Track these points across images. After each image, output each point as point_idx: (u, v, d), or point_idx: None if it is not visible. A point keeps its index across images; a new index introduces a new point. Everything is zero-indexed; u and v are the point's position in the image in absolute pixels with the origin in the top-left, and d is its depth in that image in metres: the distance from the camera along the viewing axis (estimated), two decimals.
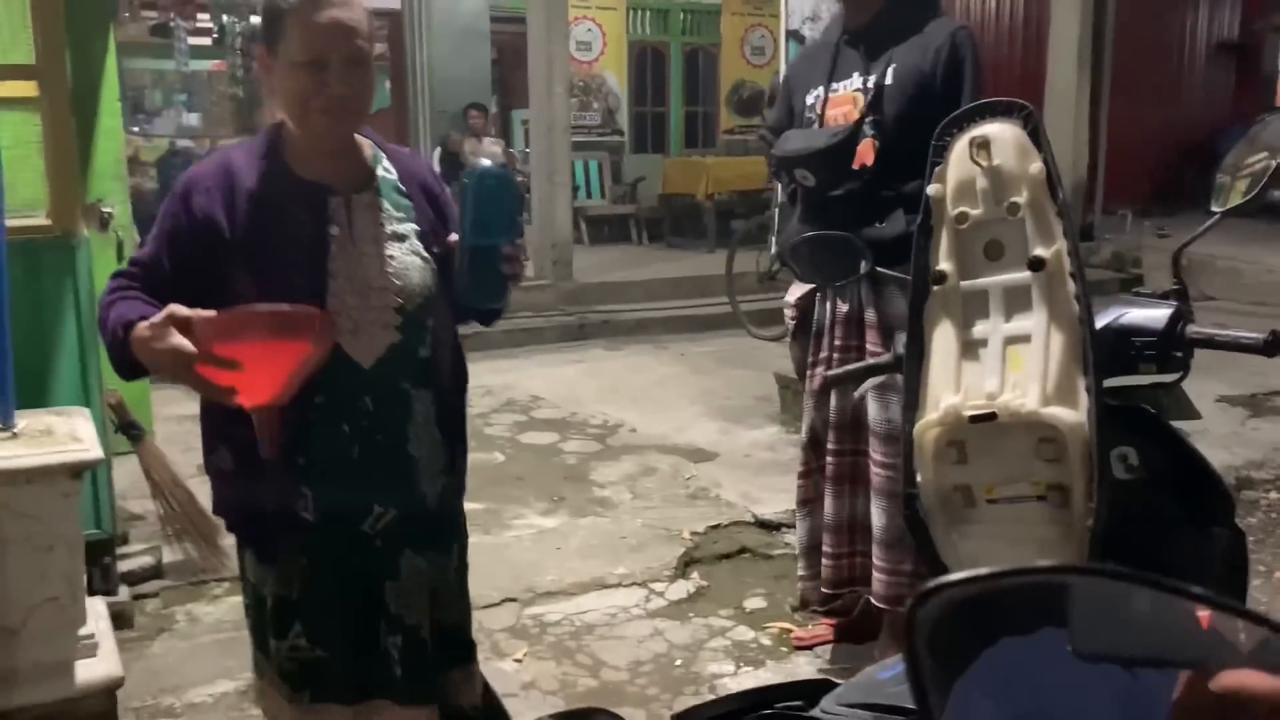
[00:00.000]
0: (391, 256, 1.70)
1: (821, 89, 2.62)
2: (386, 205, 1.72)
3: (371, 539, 1.72)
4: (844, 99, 2.57)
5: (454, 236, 1.71)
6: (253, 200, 1.65)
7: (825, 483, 2.65)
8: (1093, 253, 9.34)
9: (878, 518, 2.53)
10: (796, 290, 2.72)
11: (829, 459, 2.63)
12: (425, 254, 1.74)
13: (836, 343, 2.58)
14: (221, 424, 1.70)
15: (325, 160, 1.70)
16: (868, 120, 2.49)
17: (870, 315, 2.52)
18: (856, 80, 2.56)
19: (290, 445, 1.63)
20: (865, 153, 2.49)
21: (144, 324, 1.49)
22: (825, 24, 2.66)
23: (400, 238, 1.72)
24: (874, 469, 2.54)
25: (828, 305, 2.61)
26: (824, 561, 2.67)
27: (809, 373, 2.68)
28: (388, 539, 1.73)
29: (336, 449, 1.68)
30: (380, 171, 1.75)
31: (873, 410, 2.52)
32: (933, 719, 0.49)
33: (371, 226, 1.70)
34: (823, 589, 2.69)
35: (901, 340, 1.66)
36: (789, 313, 2.75)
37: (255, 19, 10.12)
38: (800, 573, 2.78)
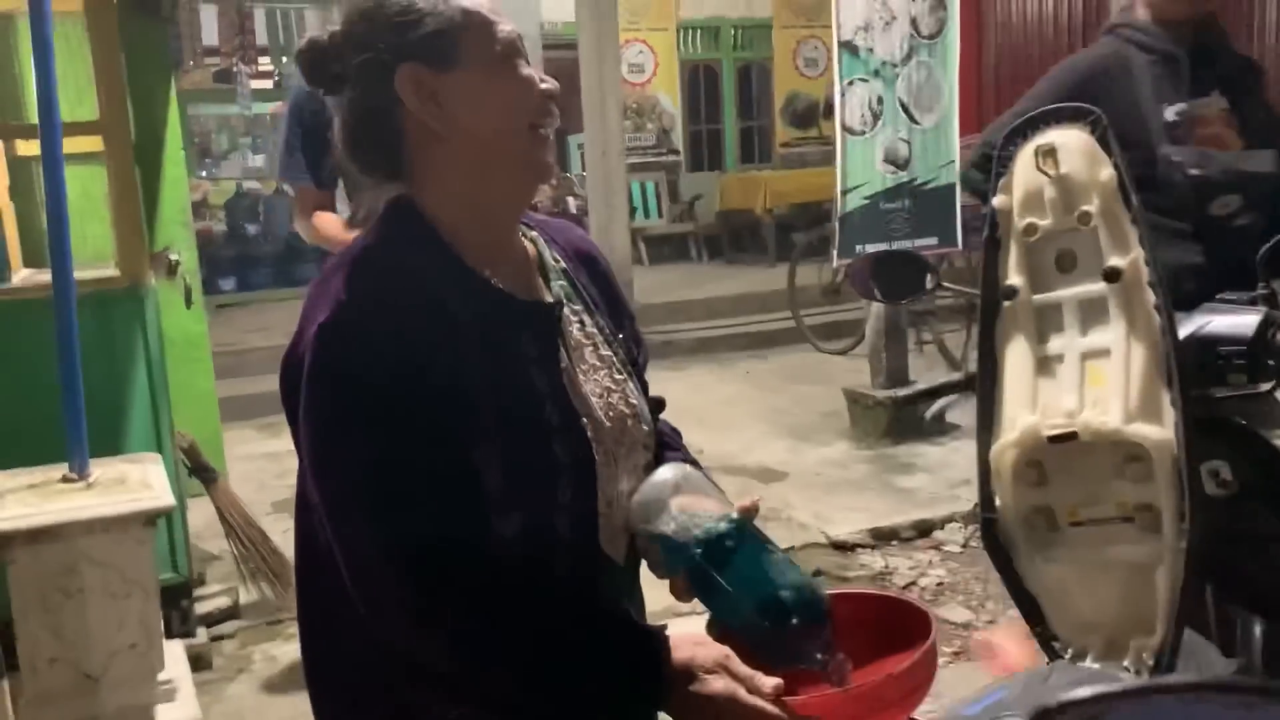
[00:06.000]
0: (622, 393, 1.19)
1: (1182, 105, 2.27)
2: (584, 317, 1.20)
3: None
4: (1211, 118, 2.27)
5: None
6: (477, 340, 1.07)
7: None
8: None
9: None
10: None
11: None
12: (635, 377, 1.24)
13: None
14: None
15: (499, 253, 1.15)
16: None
17: None
18: (1217, 98, 2.28)
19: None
20: None
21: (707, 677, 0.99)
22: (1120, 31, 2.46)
23: (609, 362, 1.20)
24: None
25: None
26: None
27: None
28: None
29: None
30: (550, 259, 1.22)
31: None
32: None
33: (585, 352, 1.18)
34: None
35: (973, 359, 1.60)
36: None
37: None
38: None
